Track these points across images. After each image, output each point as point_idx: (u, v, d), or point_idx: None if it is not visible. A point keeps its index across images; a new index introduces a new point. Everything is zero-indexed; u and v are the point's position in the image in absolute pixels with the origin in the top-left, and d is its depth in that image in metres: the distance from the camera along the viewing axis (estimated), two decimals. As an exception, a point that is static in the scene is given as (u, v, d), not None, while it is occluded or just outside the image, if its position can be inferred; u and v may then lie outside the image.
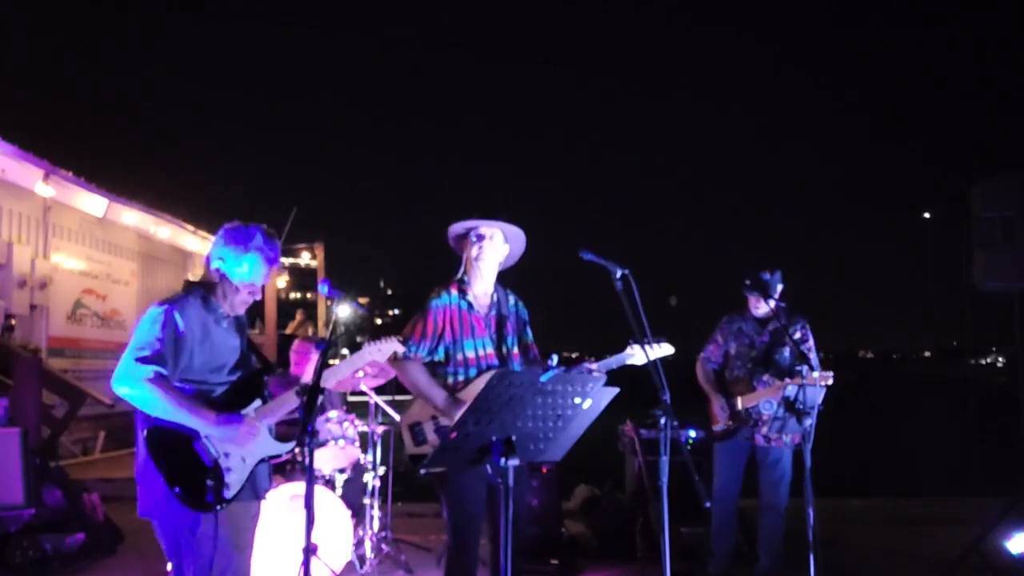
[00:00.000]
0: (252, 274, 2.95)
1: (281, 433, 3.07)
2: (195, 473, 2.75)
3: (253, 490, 2.93)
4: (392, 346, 3.11)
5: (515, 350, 3.65)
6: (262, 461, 2.95)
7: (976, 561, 4.92)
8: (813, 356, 4.61)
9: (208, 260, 3.00)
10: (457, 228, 3.66)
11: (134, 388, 2.70)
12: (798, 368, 4.35)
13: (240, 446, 2.84)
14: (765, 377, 4.59)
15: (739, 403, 4.61)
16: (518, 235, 3.66)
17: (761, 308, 4.66)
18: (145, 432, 2.75)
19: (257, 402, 2.95)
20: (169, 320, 2.80)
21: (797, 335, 4.65)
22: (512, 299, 3.73)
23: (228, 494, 2.79)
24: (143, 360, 2.72)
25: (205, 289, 2.97)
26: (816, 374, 4.13)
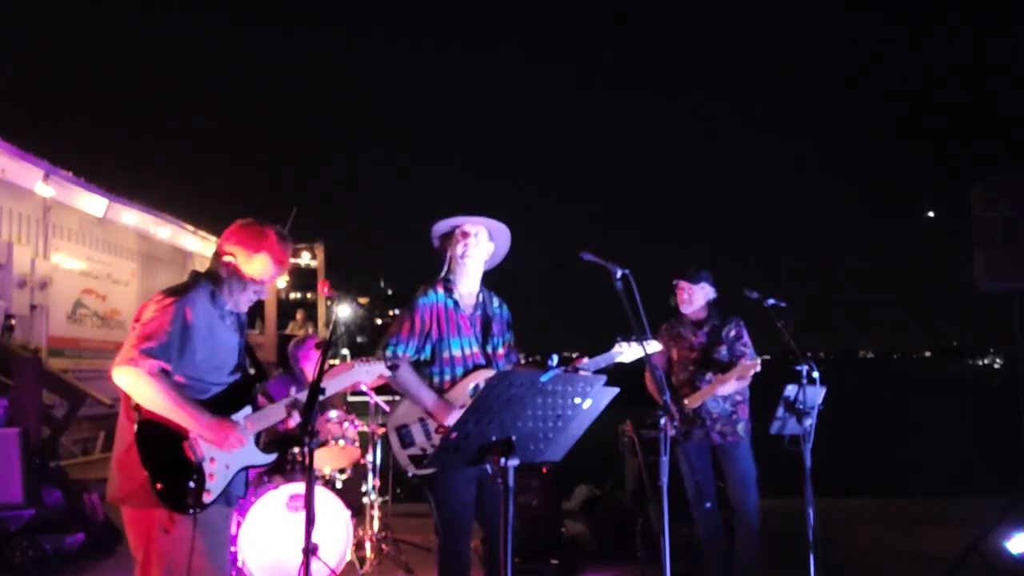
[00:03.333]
0: (262, 273, 2.92)
1: (265, 443, 3.00)
2: (180, 472, 2.71)
3: (226, 497, 2.85)
4: (379, 369, 3.10)
5: (500, 351, 3.63)
6: (243, 470, 2.90)
7: (976, 561, 4.92)
8: (749, 351, 4.69)
9: (218, 254, 2.93)
10: (442, 226, 3.61)
11: (135, 379, 2.66)
12: (739, 359, 4.58)
13: (226, 452, 2.79)
14: (707, 376, 4.64)
15: (686, 405, 4.64)
16: (503, 232, 3.63)
17: (687, 304, 4.74)
18: (137, 426, 2.69)
19: (247, 409, 2.90)
20: (179, 312, 2.74)
21: (732, 332, 4.73)
22: (497, 300, 3.70)
23: (208, 499, 2.74)
24: (148, 352, 2.66)
25: (212, 283, 2.90)
26: (748, 361, 4.47)
